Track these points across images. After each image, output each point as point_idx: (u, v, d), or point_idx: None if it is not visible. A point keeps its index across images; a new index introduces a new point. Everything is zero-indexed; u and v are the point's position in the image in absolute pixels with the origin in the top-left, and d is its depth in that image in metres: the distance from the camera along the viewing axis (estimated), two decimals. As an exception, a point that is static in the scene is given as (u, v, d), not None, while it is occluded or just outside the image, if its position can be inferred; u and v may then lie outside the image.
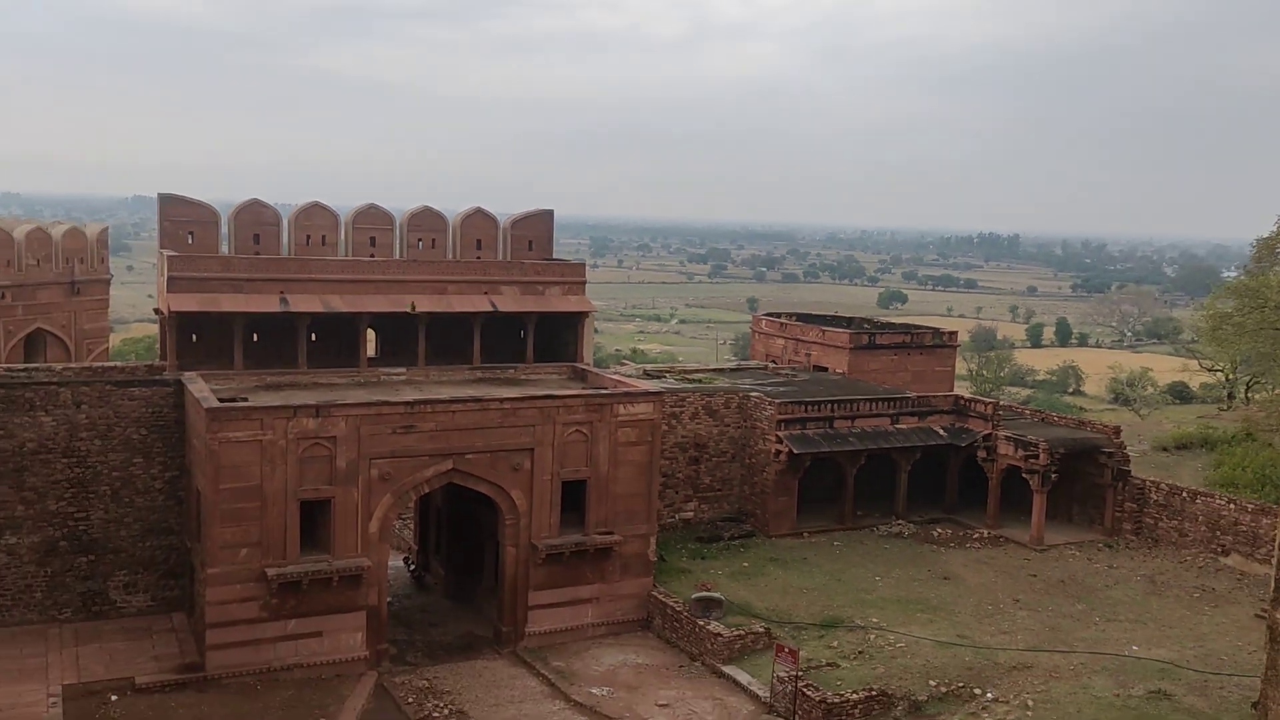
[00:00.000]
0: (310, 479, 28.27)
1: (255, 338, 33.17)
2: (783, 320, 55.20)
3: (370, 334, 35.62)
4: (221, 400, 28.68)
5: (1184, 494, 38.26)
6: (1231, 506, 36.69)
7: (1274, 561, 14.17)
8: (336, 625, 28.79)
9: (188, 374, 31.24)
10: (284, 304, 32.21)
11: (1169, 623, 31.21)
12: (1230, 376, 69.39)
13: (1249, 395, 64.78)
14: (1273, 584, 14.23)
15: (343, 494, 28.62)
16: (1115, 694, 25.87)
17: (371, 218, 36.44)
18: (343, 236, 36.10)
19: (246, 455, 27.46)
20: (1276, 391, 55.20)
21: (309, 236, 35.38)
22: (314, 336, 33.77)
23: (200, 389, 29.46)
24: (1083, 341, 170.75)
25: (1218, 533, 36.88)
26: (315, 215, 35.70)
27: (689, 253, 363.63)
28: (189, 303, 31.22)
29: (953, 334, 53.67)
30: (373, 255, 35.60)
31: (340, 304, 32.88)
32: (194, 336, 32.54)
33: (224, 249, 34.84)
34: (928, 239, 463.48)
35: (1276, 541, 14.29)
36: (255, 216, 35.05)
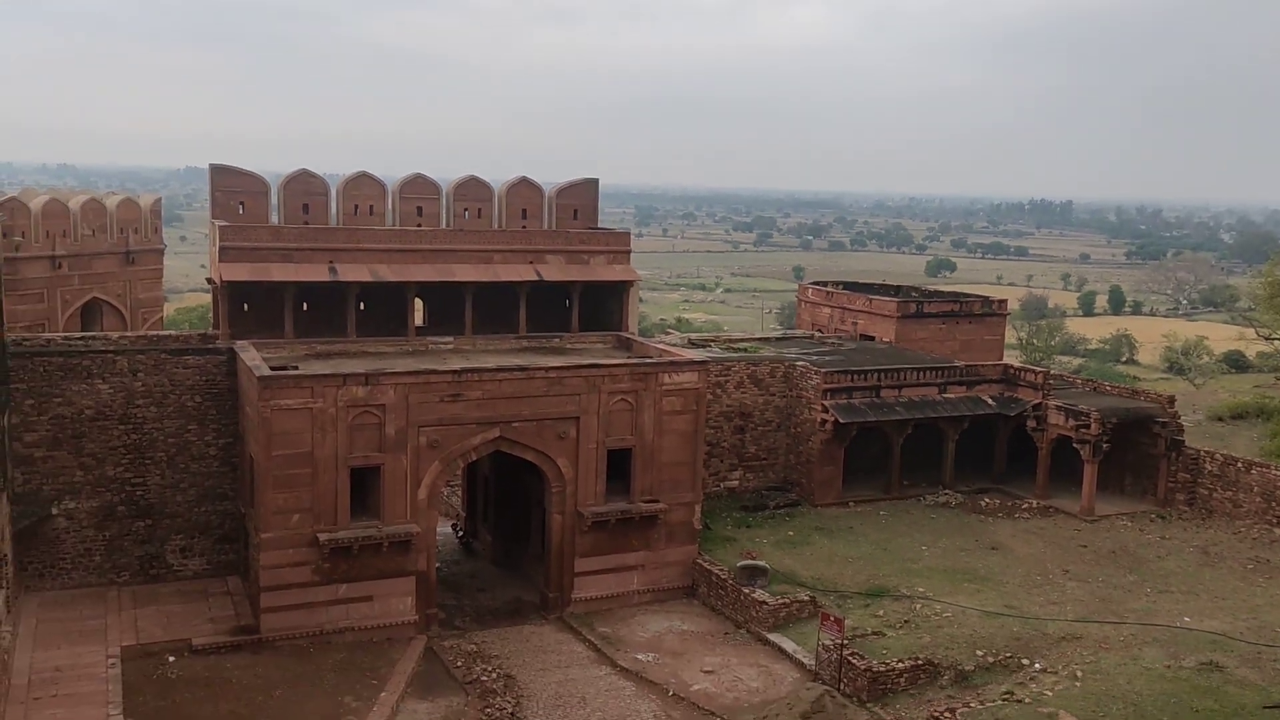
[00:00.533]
0: (360, 446, 28.66)
1: (305, 307, 33.58)
2: (829, 289, 54.77)
3: (418, 303, 35.90)
4: (273, 368, 29.12)
5: (1239, 464, 37.60)
6: (1289, 477, 35.98)
7: (1333, 533, 13.90)
8: (387, 590, 29.26)
9: (240, 342, 31.74)
10: (333, 273, 32.54)
11: (1222, 594, 30.78)
12: (1289, 345, 67.85)
13: (1308, 364, 63.33)
14: (1331, 556, 13.95)
15: (392, 461, 28.99)
16: (1166, 665, 25.61)
17: (418, 187, 36.62)
18: (390, 206, 36.33)
19: (298, 422, 27.88)
20: (1337, 360, 53.91)
21: (357, 206, 35.65)
22: (362, 305, 34.10)
23: (252, 357, 29.92)
24: (1136, 310, 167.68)
25: (1273, 504, 36.23)
26: (363, 185, 35.96)
27: (734, 221, 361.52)
28: (240, 272, 31.65)
29: (1002, 302, 52.94)
30: (419, 225, 35.81)
31: (388, 273, 33.14)
32: (245, 306, 32.99)
33: (274, 219, 35.24)
34: (977, 206, 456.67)
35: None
36: (304, 186, 35.37)
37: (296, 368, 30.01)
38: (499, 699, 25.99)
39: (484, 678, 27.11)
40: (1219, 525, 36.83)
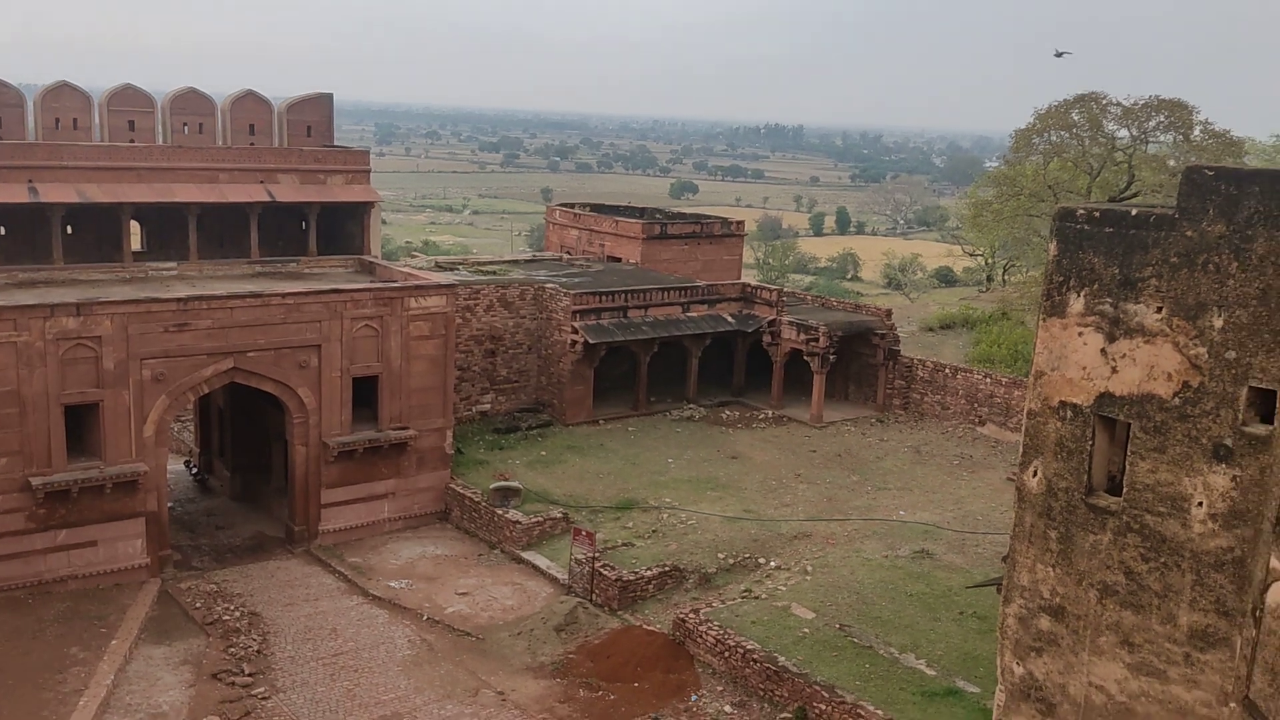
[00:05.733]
0: (74, 382, 26.43)
1: (2, 230, 30.32)
2: (576, 211, 55.08)
3: (135, 226, 33.20)
4: (-35, 300, 26.20)
5: (946, 370, 41.28)
6: (988, 380, 39.94)
7: (1023, 429, 15.54)
8: (113, 533, 27.42)
9: (-78, 272, 28.33)
10: (33, 194, 29.49)
11: (932, 488, 33.93)
12: (989, 260, 74.80)
13: (1005, 278, 70.09)
14: (1021, 450, 15.61)
15: (112, 397, 26.94)
16: (884, 555, 28.08)
17: (129, 99, 33.66)
18: (97, 120, 33.22)
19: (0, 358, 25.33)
20: (1029, 273, 59.91)
21: (59, 120, 32.38)
22: (70, 229, 31.18)
23: (-62, 288, 26.80)
24: (860, 230, 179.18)
25: (975, 405, 40.12)
26: (65, 96, 32.64)
27: (481, 141, 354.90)
28: (-82, 192, 28.12)
29: (740, 223, 55.08)
30: (132, 141, 32.96)
31: (98, 194, 30.41)
32: (-73, 230, 29.44)
33: (-44, 132, 31.43)
34: (717, 130, 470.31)
35: (1025, 411, 15.64)
36: (-8, 96, 31.68)
37: (-6, 298, 27.14)
38: (243, 637, 25.12)
39: (226, 617, 26.07)
40: (930, 426, 40.44)
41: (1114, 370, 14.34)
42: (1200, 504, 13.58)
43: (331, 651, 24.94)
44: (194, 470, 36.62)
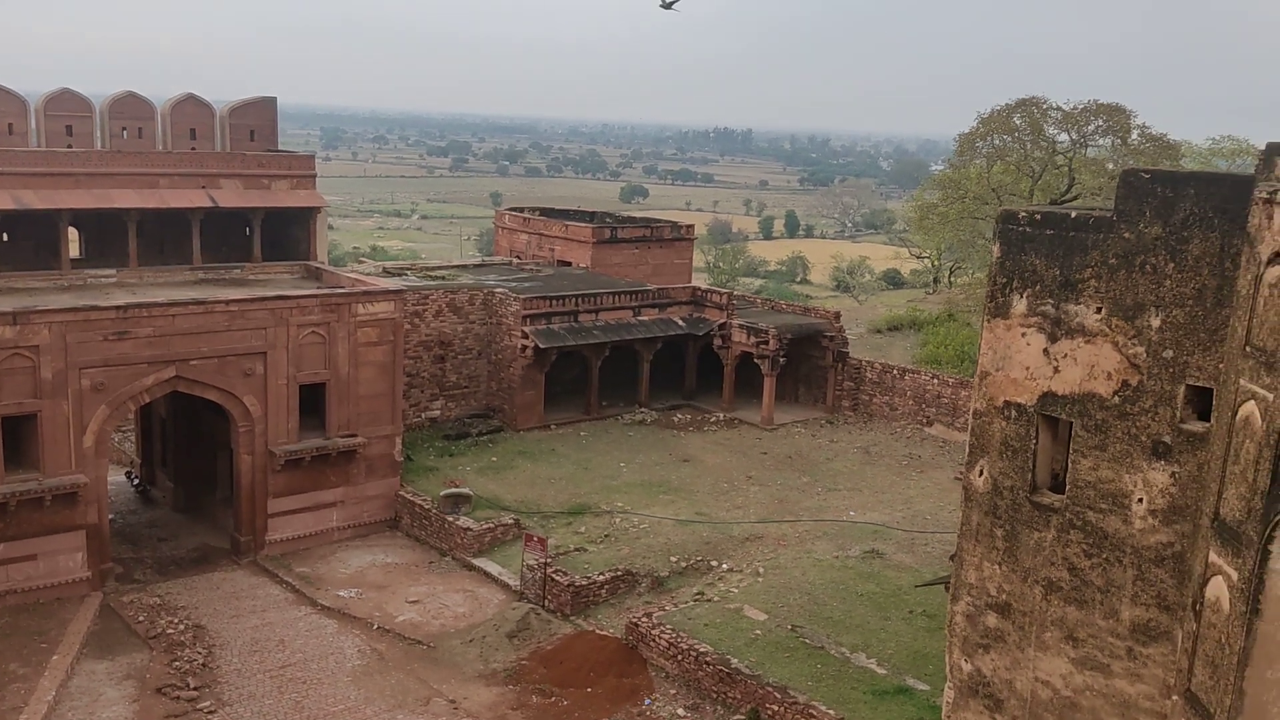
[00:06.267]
0: (11, 392, 25.80)
1: (-68, 238, 29.55)
2: (526, 215, 54.84)
3: (73, 233, 32.51)
4: (-106, 309, 25.47)
5: (895, 372, 41.71)
6: (935, 381, 40.41)
7: (969, 429, 15.73)
8: (53, 547, 26.80)
9: None
10: (-35, 200, 28.75)
11: (881, 489, 34.24)
12: (936, 263, 75.69)
13: (951, 279, 70.98)
14: (967, 449, 15.81)
15: (50, 407, 26.33)
16: (835, 556, 28.28)
17: (66, 103, 32.97)
18: (34, 125, 32.50)
19: (-70, 370, 24.63)
20: (974, 275, 60.73)
21: (-9, 123, 31.56)
22: (5, 236, 30.45)
23: None
24: (809, 233, 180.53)
25: (923, 405, 40.58)
26: (0, 100, 31.87)
27: (428, 145, 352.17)
28: None
29: (690, 227, 55.17)
30: (70, 145, 32.27)
31: (34, 199, 29.73)
32: None
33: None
34: (666, 133, 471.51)
35: (970, 411, 15.83)
36: (-78, 99, 30.87)
37: (-75, 307, 26.40)
38: (188, 650, 24.66)
39: (170, 630, 25.59)
40: (879, 427, 40.82)
41: (1056, 370, 14.57)
42: (1141, 500, 13.84)
43: (279, 663, 24.57)
44: (136, 481, 35.90)
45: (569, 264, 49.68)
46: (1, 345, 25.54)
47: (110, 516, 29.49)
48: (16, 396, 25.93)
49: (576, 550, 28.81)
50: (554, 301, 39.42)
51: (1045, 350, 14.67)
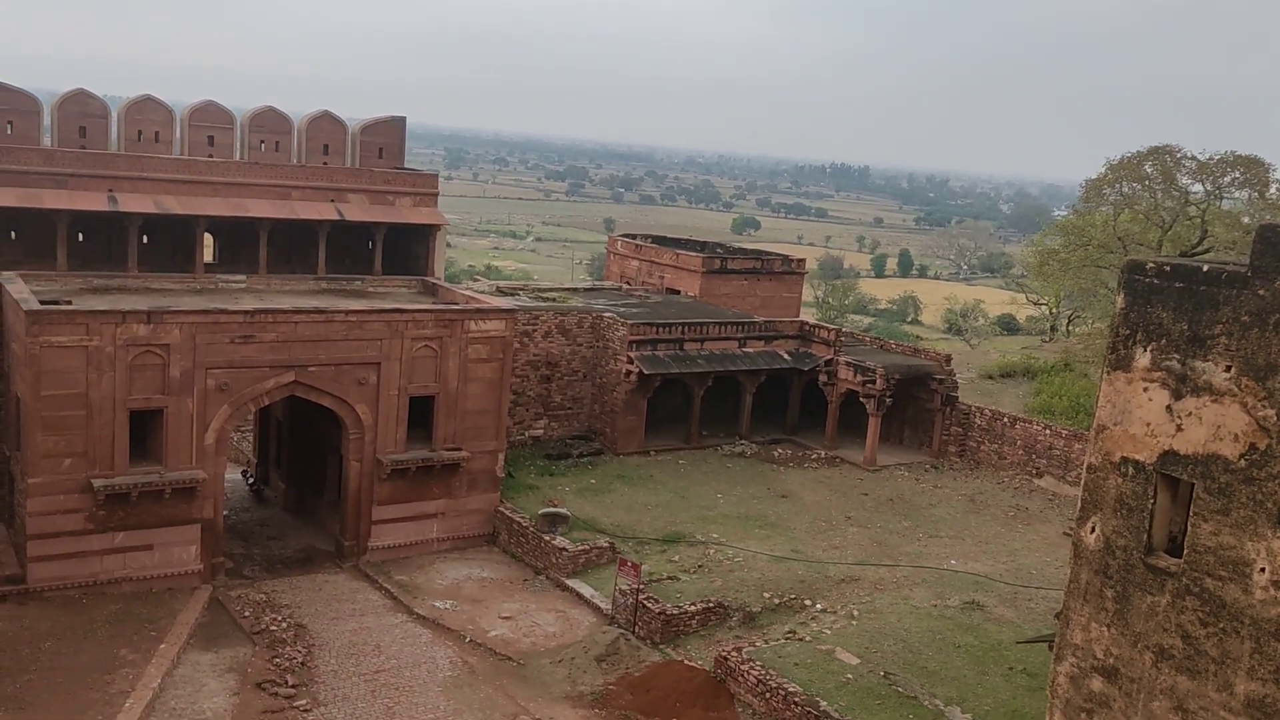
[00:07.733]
0: (141, 388, 27.07)
1: (81, 237, 31.30)
2: (638, 242, 55.34)
3: (208, 239, 34.06)
4: (43, 302, 27.02)
5: (1005, 419, 40.63)
6: (1047, 432, 39.21)
7: (1082, 483, 15.23)
8: (169, 538, 27.92)
9: (6, 274, 29.23)
10: (113, 203, 30.42)
11: (985, 539, 33.32)
12: (1054, 310, 73.65)
13: (1070, 328, 68.94)
14: (1079, 504, 15.30)
15: (176, 404, 27.54)
16: (933, 604, 27.58)
17: (210, 115, 34.63)
18: (178, 134, 34.23)
19: (71, 361, 26.04)
20: (1094, 325, 58.84)
21: (141, 132, 33.39)
22: (146, 239, 32.08)
23: (20, 290, 27.65)
24: (923, 273, 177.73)
25: (1033, 456, 39.41)
26: (148, 109, 33.69)
27: (547, 169, 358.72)
28: (7, 197, 29.17)
29: (801, 261, 54.92)
30: (211, 155, 33.87)
31: (175, 205, 31.25)
32: (13, 234, 30.43)
33: (46, 142, 32.54)
34: (782, 167, 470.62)
35: (1084, 465, 15.33)
36: (81, 108, 32.83)
37: (70, 302, 27.95)
38: (288, 648, 25.36)
39: (273, 627, 26.36)
40: (985, 475, 39.77)
41: (1179, 428, 14.03)
42: (1263, 570, 13.19)
43: (374, 668, 25.09)
44: (251, 480, 37.20)
45: (678, 292, 49.89)
46: (135, 342, 26.85)
47: (225, 513, 30.60)
48: (146, 392, 27.20)
49: (669, 578, 28.75)
50: (660, 329, 39.60)
51: (1168, 407, 14.14)
